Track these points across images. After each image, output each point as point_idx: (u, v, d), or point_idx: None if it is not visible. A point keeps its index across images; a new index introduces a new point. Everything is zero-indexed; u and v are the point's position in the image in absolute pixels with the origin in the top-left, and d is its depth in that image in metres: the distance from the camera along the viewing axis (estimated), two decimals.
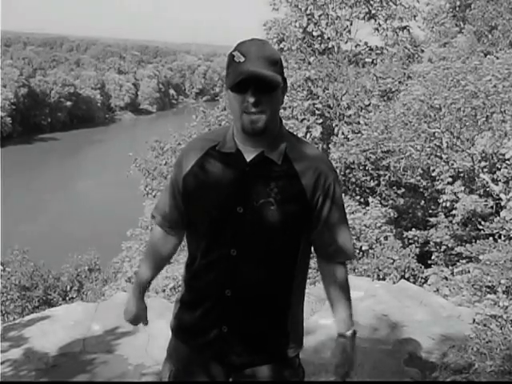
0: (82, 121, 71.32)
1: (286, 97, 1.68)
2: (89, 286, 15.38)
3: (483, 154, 9.84)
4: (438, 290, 6.97)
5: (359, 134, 11.59)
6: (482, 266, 6.10)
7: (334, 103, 13.51)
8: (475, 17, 16.94)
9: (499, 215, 8.74)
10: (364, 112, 12.89)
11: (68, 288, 15.40)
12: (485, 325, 3.65)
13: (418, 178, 12.54)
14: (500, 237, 8.41)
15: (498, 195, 9.50)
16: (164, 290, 9.46)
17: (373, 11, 13.53)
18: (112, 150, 51.36)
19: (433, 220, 10.74)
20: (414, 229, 10.79)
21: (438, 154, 10.31)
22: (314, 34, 13.69)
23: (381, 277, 8.94)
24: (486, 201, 9.83)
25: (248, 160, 1.63)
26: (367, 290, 4.60)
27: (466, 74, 9.47)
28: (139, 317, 1.95)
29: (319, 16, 13.49)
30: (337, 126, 13.19)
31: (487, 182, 9.82)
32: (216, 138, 1.70)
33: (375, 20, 13.75)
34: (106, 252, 16.58)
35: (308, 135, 12.23)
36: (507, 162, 8.83)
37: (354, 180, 13.06)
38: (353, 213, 10.49)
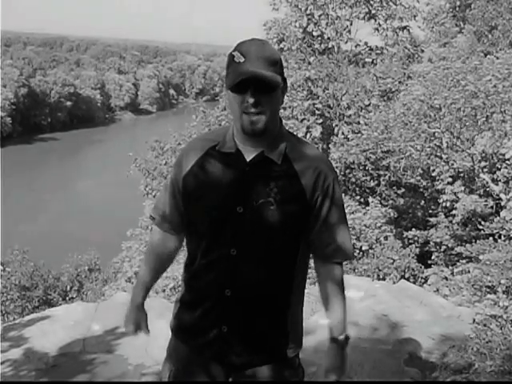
0: (82, 121, 71.33)
1: (286, 97, 1.69)
2: (89, 286, 15.38)
3: (483, 154, 9.84)
4: (437, 290, 6.97)
5: (359, 134, 11.59)
6: (482, 266, 6.09)
7: (334, 103, 13.51)
8: (475, 17, 16.94)
9: (499, 215, 8.74)
10: (364, 112, 12.89)
11: (68, 288, 15.41)
12: (485, 325, 3.65)
13: (418, 178, 12.53)
14: (500, 237, 8.41)
15: (497, 195, 9.50)
16: (164, 290, 9.46)
17: (373, 11, 13.54)
18: (112, 150, 51.36)
19: (433, 220, 10.74)
20: (413, 229, 10.79)
21: (438, 154, 10.31)
22: (314, 34, 13.70)
23: (381, 277, 8.94)
24: (486, 201, 9.82)
25: (248, 160, 1.63)
26: (367, 290, 4.60)
27: (466, 74, 9.47)
28: (140, 327, 1.91)
29: (319, 16, 13.50)
30: (337, 126, 13.19)
31: (487, 182, 9.82)
32: (216, 137, 1.70)
33: (375, 20, 13.75)
34: (106, 252, 16.58)
35: (308, 135, 12.23)
36: (507, 161, 8.83)
37: (354, 180, 13.05)
38: (353, 213, 10.50)
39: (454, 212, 10.04)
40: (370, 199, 11.44)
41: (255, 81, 1.52)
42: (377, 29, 13.83)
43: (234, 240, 1.63)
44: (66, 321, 4.06)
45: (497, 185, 9.57)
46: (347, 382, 3.24)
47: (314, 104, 12.83)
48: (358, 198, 12.46)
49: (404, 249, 9.89)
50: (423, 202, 12.46)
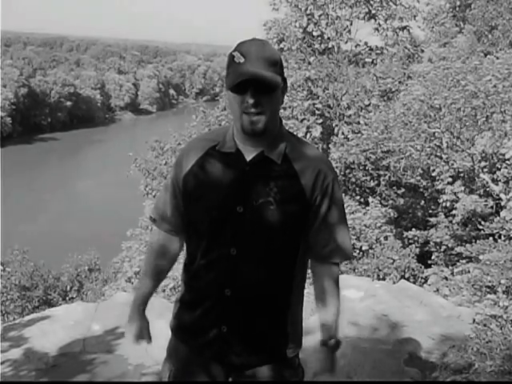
0: (82, 121, 71.35)
1: (286, 97, 1.69)
2: (89, 286, 15.38)
3: (483, 154, 9.84)
4: (438, 290, 6.97)
5: (359, 134, 11.59)
6: (482, 266, 6.09)
7: (334, 103, 13.52)
8: (475, 17, 16.94)
9: (499, 215, 8.74)
10: (364, 112, 12.90)
11: (68, 288, 15.41)
12: (485, 325, 3.65)
13: (418, 178, 12.53)
14: (500, 237, 8.41)
15: (497, 195, 9.49)
16: (164, 290, 9.45)
17: (373, 11, 13.54)
18: (112, 149, 51.38)
19: (433, 220, 10.74)
20: (414, 229, 10.79)
21: (438, 154, 10.31)
22: (314, 34, 13.70)
23: (381, 277, 8.94)
24: (486, 201, 9.82)
25: (248, 160, 1.63)
26: (367, 290, 4.59)
27: (466, 74, 9.47)
28: (142, 336, 1.88)
29: (319, 16, 13.50)
30: (337, 126, 13.19)
31: (487, 182, 9.82)
32: (216, 137, 1.70)
33: (375, 20, 13.76)
34: (106, 252, 16.58)
35: (308, 135, 12.23)
36: (507, 161, 8.83)
37: (354, 180, 13.06)
38: (353, 213, 10.50)
39: (454, 212, 10.04)
40: (370, 199, 11.44)
41: (255, 82, 1.52)
42: (377, 29, 13.83)
43: (234, 240, 1.63)
44: (66, 321, 4.06)
45: (497, 185, 9.56)
46: (347, 382, 3.25)
47: (314, 104, 12.84)
48: (358, 198, 12.46)
49: (404, 249, 9.89)
50: (423, 202, 12.46)
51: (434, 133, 9.76)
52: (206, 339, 1.69)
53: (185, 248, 1.79)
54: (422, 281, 8.78)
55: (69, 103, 70.35)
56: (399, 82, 13.59)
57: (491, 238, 8.40)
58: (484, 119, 9.29)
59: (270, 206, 1.60)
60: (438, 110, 9.55)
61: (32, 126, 64.62)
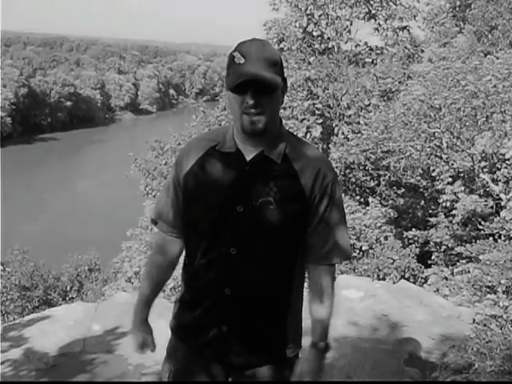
0: (82, 121, 71.36)
1: (286, 97, 1.69)
2: (89, 286, 15.39)
3: (483, 154, 9.84)
4: (438, 290, 6.97)
5: (359, 134, 11.59)
6: (482, 266, 6.09)
7: (334, 103, 13.51)
8: (475, 17, 16.94)
9: (499, 215, 8.74)
10: (364, 112, 12.89)
11: (68, 288, 15.42)
12: (485, 325, 3.65)
13: (418, 177, 12.53)
14: (500, 237, 8.40)
15: (497, 195, 9.49)
16: (164, 290, 9.45)
17: (373, 11, 13.54)
18: (112, 149, 51.38)
19: (433, 220, 10.74)
20: (414, 229, 10.78)
21: (438, 154, 10.30)
22: (314, 34, 13.70)
23: (381, 277, 8.94)
24: (486, 201, 9.81)
25: (248, 159, 1.63)
26: (367, 290, 4.59)
27: (466, 74, 9.47)
28: (146, 344, 1.87)
29: (319, 16, 13.49)
30: (337, 126, 13.19)
31: (487, 182, 9.81)
32: (216, 137, 1.71)
33: (375, 20, 13.75)
34: (106, 252, 16.58)
35: (308, 135, 12.23)
36: (507, 161, 8.83)
37: (354, 180, 13.05)
38: (353, 213, 10.50)
39: (454, 212, 10.04)
40: (370, 199, 11.44)
41: (255, 82, 1.52)
42: (377, 29, 13.83)
43: (234, 239, 1.63)
44: (66, 321, 4.06)
45: (497, 185, 9.56)
46: (347, 382, 3.25)
47: (314, 104, 12.84)
48: (358, 197, 12.46)
49: (404, 249, 9.89)
50: (423, 202, 12.46)
51: (434, 133, 9.76)
52: (206, 339, 1.69)
53: (185, 248, 1.78)
54: (422, 281, 8.78)
55: (69, 103, 70.37)
56: (399, 82, 13.59)
57: (491, 238, 8.40)
58: (484, 119, 9.28)
59: (269, 205, 1.60)
60: (438, 110, 9.55)
61: (32, 126, 64.63)
